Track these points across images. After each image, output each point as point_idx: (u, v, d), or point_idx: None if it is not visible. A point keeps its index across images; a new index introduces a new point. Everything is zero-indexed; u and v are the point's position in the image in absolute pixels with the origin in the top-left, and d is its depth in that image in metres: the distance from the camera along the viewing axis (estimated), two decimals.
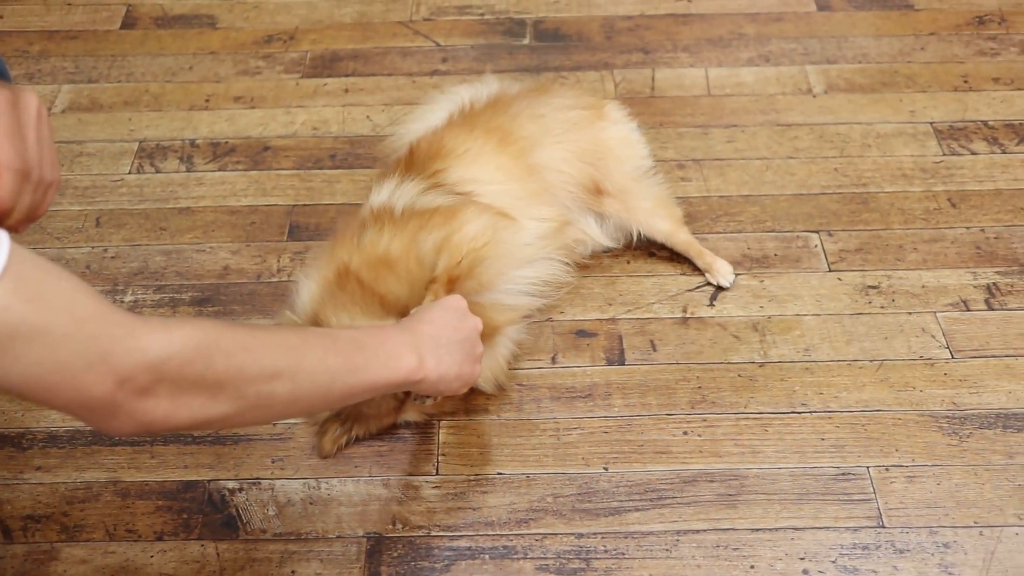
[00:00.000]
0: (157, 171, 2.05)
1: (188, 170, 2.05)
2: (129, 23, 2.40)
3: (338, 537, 1.50)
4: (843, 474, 1.55)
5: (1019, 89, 2.14)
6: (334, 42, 2.33)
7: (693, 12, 2.37)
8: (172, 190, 2.01)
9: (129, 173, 2.05)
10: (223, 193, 2.00)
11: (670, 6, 2.39)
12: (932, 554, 1.46)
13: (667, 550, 1.48)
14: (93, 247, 1.91)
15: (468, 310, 1.43)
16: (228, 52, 2.31)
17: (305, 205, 1.97)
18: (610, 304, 1.79)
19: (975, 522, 1.49)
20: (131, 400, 1.00)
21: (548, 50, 2.28)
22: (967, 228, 1.88)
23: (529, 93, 1.84)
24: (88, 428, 1.63)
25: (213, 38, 2.35)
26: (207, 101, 2.20)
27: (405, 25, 2.37)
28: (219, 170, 2.05)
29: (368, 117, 2.15)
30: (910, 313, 1.76)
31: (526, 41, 2.31)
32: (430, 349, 1.31)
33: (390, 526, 1.51)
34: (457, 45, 2.31)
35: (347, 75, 2.25)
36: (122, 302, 1.81)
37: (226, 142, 2.10)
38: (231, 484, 1.57)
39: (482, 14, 2.39)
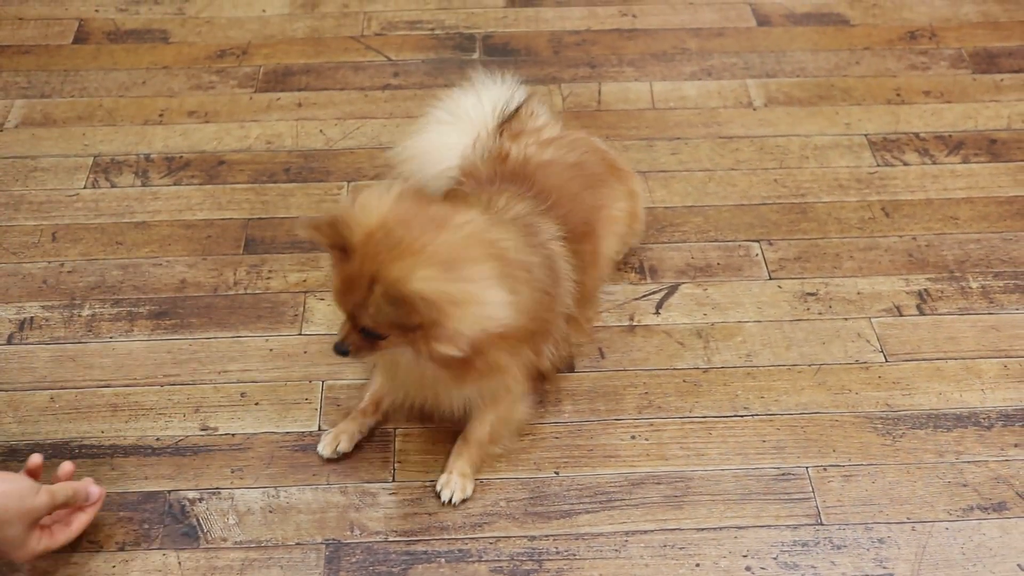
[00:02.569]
0: (113, 186, 2.07)
1: (143, 184, 2.07)
2: (81, 38, 2.41)
3: (297, 544, 1.54)
4: (783, 474, 1.62)
5: (948, 102, 2.24)
6: (286, 57, 2.37)
7: (638, 27, 2.44)
8: (128, 204, 2.04)
9: (84, 188, 2.07)
10: (179, 207, 2.03)
11: (615, 21, 2.45)
12: (868, 549, 1.53)
13: (616, 550, 1.54)
14: (49, 262, 1.93)
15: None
16: (181, 67, 2.34)
17: (260, 219, 2.01)
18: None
19: (908, 518, 1.57)
20: None
21: (497, 65, 2.32)
22: (900, 236, 1.97)
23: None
24: (48, 440, 1.66)
25: (166, 53, 2.38)
26: (161, 116, 2.23)
27: (357, 40, 2.41)
28: (174, 184, 2.07)
29: (321, 131, 2.19)
30: (846, 319, 1.83)
31: (476, 56, 2.37)
32: None
33: (348, 532, 1.56)
34: (408, 59, 2.36)
35: (300, 89, 2.28)
36: (79, 316, 1.83)
37: (181, 156, 2.13)
38: (191, 494, 1.60)
39: (432, 29, 2.44)
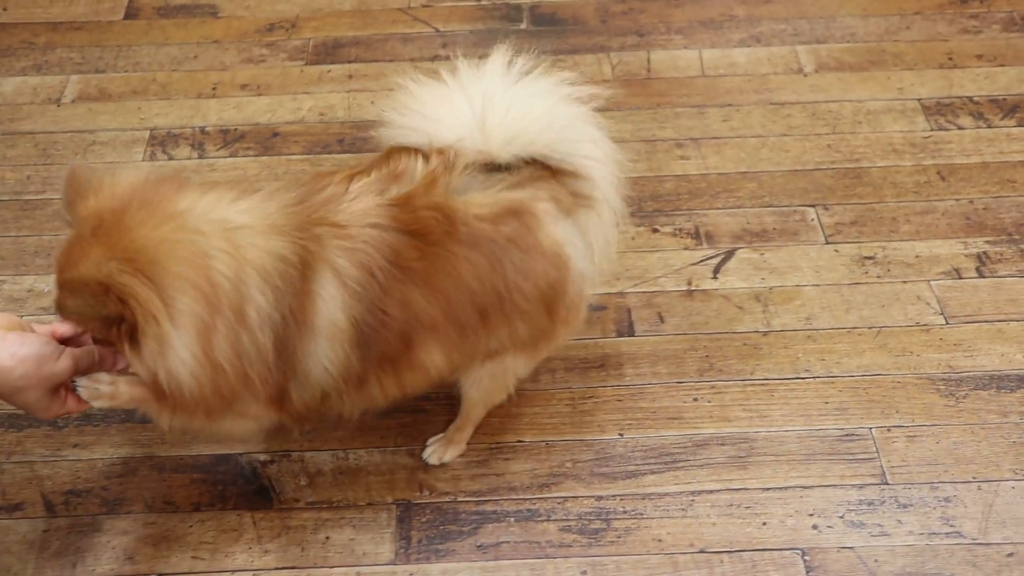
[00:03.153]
0: (170, 158, 2.10)
1: (200, 156, 2.10)
2: (132, 13, 2.43)
3: (368, 504, 1.57)
4: (847, 435, 1.63)
5: (1001, 65, 2.23)
6: (335, 29, 2.38)
7: None
8: (186, 176, 2.05)
9: (142, 160, 2.09)
10: (236, 179, 2.05)
11: None
12: (934, 508, 1.54)
13: (683, 509, 1.55)
14: None
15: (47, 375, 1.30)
16: (231, 41, 2.36)
17: None
18: (618, 279, 1.85)
19: (973, 477, 1.57)
20: None
21: (545, 34, 2.34)
22: (956, 200, 1.97)
23: None
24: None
25: (216, 27, 2.39)
26: (214, 89, 2.25)
27: (404, 12, 2.42)
28: (230, 156, 2.10)
29: (372, 102, 2.20)
30: (905, 282, 1.84)
31: (523, 26, 2.37)
32: None
33: (417, 493, 1.58)
34: (456, 30, 2.37)
35: (350, 61, 2.30)
36: None
37: (235, 129, 2.15)
38: (262, 457, 1.63)
39: (479, 0, 2.44)
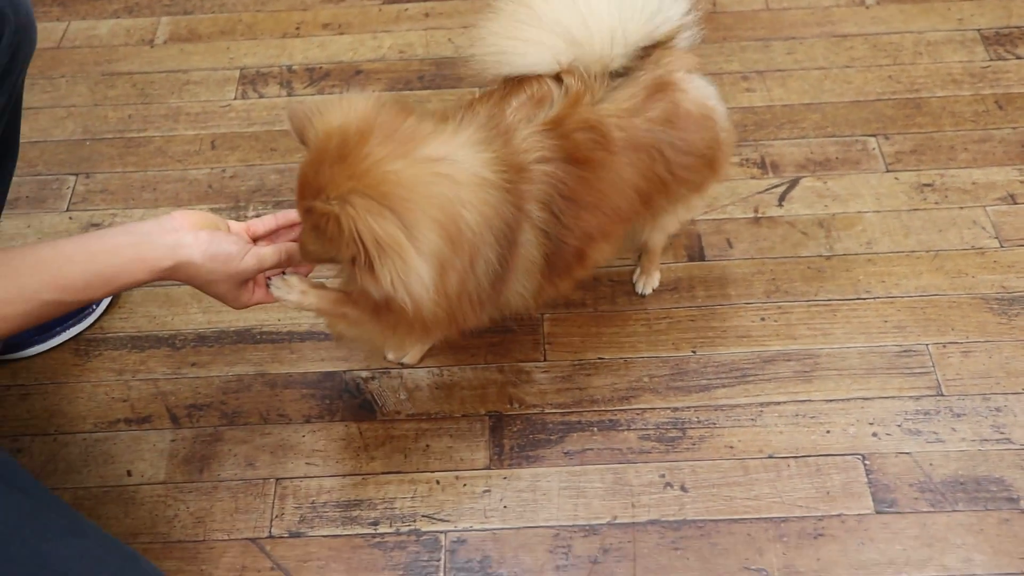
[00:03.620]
0: (260, 96, 2.22)
1: (289, 94, 2.22)
2: None
3: (463, 416, 1.72)
4: (905, 351, 1.75)
5: None
6: None
7: None
8: (276, 113, 2.19)
9: (235, 99, 2.22)
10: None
11: None
12: (985, 417, 1.67)
13: (752, 419, 1.69)
14: (212, 168, 2.10)
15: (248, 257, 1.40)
16: None
17: None
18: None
19: (1023, 388, 1.69)
20: None
21: None
22: (1013, 128, 2.05)
23: None
24: (232, 328, 1.85)
25: None
26: (298, 29, 2.36)
27: None
28: (318, 94, 2.22)
29: (450, 40, 2.31)
30: (962, 208, 1.94)
31: None
32: (191, 267, 1.36)
33: (508, 405, 1.73)
34: None
35: (426, 0, 2.40)
36: (246, 217, 2.00)
37: (320, 67, 2.27)
38: (364, 374, 1.78)
39: None
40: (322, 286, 1.49)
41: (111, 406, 1.76)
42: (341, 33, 2.34)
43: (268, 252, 1.44)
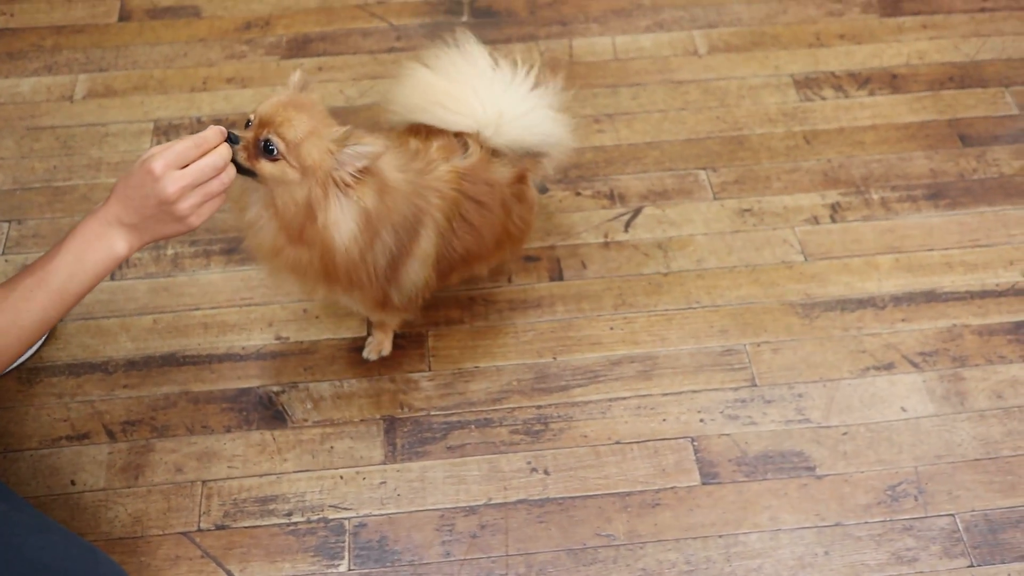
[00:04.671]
0: None
1: None
2: (125, 15, 2.81)
3: (362, 420, 2.04)
4: (727, 351, 2.13)
5: (859, 43, 2.70)
6: (304, 26, 2.78)
7: None
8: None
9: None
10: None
11: None
12: (790, 402, 2.05)
13: (603, 412, 2.04)
14: None
15: (162, 181, 1.49)
16: (215, 39, 2.76)
17: None
18: (549, 234, 2.32)
19: (820, 378, 2.08)
20: None
21: (484, 26, 2.77)
22: (817, 160, 2.45)
23: None
24: (158, 353, 2.13)
25: (200, 26, 2.79)
26: (204, 83, 2.65)
27: (361, 8, 2.83)
28: None
29: (341, 91, 2.62)
30: (775, 229, 2.32)
31: (465, 18, 2.79)
32: (131, 230, 1.54)
33: (399, 410, 2.05)
34: (408, 24, 2.78)
35: (319, 55, 2.71)
36: (165, 255, 2.29)
37: (227, 118, 2.56)
38: (275, 388, 2.09)
39: None
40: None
41: (53, 426, 2.03)
42: (244, 87, 2.64)
43: (167, 161, 1.51)
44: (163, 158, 1.49)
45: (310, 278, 1.79)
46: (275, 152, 1.62)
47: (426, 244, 1.86)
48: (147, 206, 1.51)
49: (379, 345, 2.12)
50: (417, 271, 1.88)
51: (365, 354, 2.12)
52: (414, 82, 1.98)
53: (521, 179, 2.00)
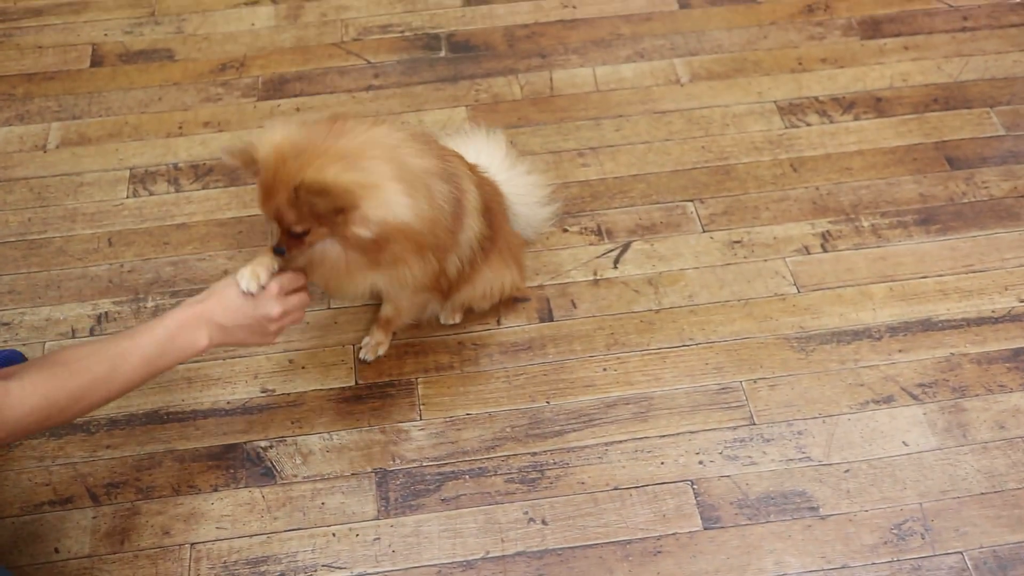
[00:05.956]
0: (151, 194, 2.46)
1: (177, 191, 2.46)
2: (97, 61, 2.76)
3: (353, 474, 1.99)
4: (723, 388, 2.09)
5: (842, 67, 2.68)
6: (279, 66, 2.74)
7: (578, 17, 2.84)
8: (167, 209, 2.42)
9: (127, 197, 2.45)
10: (211, 208, 2.42)
11: (558, 13, 2.85)
12: (790, 440, 2.01)
13: (599, 457, 2.00)
14: (111, 264, 2.32)
15: (267, 295, 1.75)
16: (189, 82, 2.71)
17: None
18: (537, 274, 2.28)
19: (819, 413, 2.04)
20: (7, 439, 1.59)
21: (462, 60, 2.73)
22: (805, 188, 2.42)
23: None
24: (140, 411, 2.07)
25: (174, 70, 2.74)
26: (180, 128, 2.60)
27: (338, 46, 2.79)
28: (203, 188, 2.46)
29: None
30: (766, 260, 2.29)
31: (443, 54, 2.76)
32: (219, 331, 1.74)
33: (391, 462, 2.00)
34: (385, 61, 2.74)
35: (296, 95, 2.67)
36: (146, 307, 2.23)
37: (204, 163, 2.52)
38: (263, 443, 2.03)
39: (402, 31, 2.82)
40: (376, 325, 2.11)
41: (35, 490, 1.97)
42: (221, 130, 2.59)
43: (281, 286, 1.80)
44: (279, 283, 1.77)
45: (402, 263, 1.81)
46: (304, 233, 1.72)
47: (472, 199, 1.89)
48: (247, 316, 1.75)
49: (377, 345, 2.13)
50: (473, 224, 1.90)
51: (362, 355, 2.13)
52: None
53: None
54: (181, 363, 1.77)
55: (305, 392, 2.10)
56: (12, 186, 2.48)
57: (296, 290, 1.82)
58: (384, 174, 1.67)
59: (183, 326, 1.71)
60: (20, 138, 2.59)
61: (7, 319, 2.22)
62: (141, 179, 2.49)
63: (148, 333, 1.70)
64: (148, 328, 1.71)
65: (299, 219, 1.68)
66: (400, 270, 1.82)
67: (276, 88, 2.68)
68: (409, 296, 1.99)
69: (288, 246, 1.75)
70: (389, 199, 1.67)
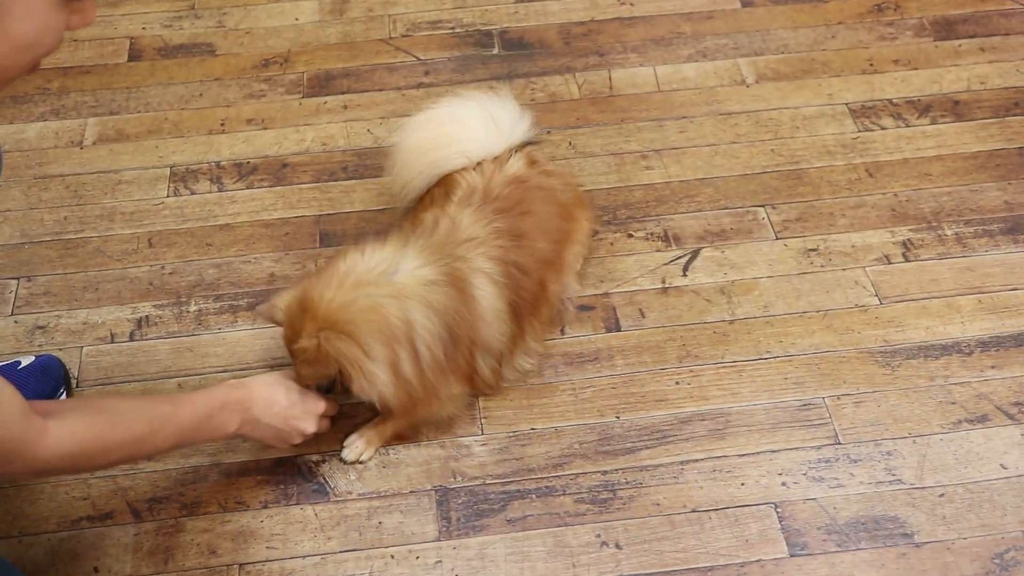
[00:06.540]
0: (192, 193, 2.34)
1: (220, 190, 2.34)
2: (135, 55, 2.65)
3: (411, 492, 1.86)
4: (805, 405, 1.96)
5: (915, 68, 2.56)
6: (325, 62, 2.62)
7: (637, 15, 2.72)
8: (209, 209, 2.31)
9: (168, 196, 2.33)
10: (255, 209, 2.30)
11: (615, 10, 2.73)
12: (879, 461, 1.88)
13: (675, 477, 1.87)
14: (151, 266, 2.20)
15: (310, 414, 1.82)
16: (232, 77, 2.59)
17: (330, 214, 2.29)
18: (602, 281, 2.15)
19: (909, 433, 1.91)
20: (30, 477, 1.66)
21: (516, 58, 2.61)
22: (883, 194, 2.29)
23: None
24: None
25: (215, 65, 2.63)
26: (223, 125, 2.49)
27: (386, 42, 2.67)
28: (247, 188, 2.35)
29: (369, 130, 2.46)
30: (844, 269, 2.16)
31: (495, 51, 2.64)
32: (250, 423, 1.74)
33: (451, 479, 1.87)
34: (436, 58, 2.63)
35: (343, 92, 2.55)
36: (188, 312, 2.11)
37: (248, 162, 2.40)
38: (315, 457, 1.91)
39: (452, 28, 2.70)
40: (371, 426, 1.92)
41: (72, 505, 1.85)
42: (265, 128, 2.47)
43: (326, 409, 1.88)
44: (323, 406, 1.86)
45: (423, 405, 1.86)
46: (327, 388, 1.86)
47: (488, 301, 1.81)
48: (284, 421, 1.78)
49: (367, 446, 1.92)
50: (495, 331, 1.86)
51: (344, 454, 1.91)
52: (412, 149, 2.07)
53: (533, 161, 2.04)
54: (208, 442, 1.85)
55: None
56: (48, 183, 2.37)
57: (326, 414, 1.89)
58: (369, 349, 1.71)
59: (224, 408, 1.70)
60: (56, 134, 2.47)
61: (43, 322, 2.10)
62: (182, 177, 2.37)
63: (190, 404, 1.67)
64: (190, 400, 1.68)
65: (316, 376, 1.80)
66: (424, 410, 1.87)
67: (322, 85, 2.57)
68: (436, 408, 1.91)
69: (326, 395, 1.88)
70: (370, 377, 1.73)
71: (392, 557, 1.78)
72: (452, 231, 1.87)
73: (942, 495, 1.83)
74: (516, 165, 2.00)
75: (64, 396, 1.96)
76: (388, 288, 1.76)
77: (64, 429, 1.44)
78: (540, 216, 1.97)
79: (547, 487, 1.86)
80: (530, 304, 1.94)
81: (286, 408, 1.78)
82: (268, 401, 1.76)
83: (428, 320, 1.76)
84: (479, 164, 1.99)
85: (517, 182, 1.97)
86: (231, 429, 1.71)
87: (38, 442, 1.41)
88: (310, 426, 1.82)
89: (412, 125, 2.10)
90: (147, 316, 2.12)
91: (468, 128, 2.04)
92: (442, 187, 2.00)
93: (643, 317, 2.10)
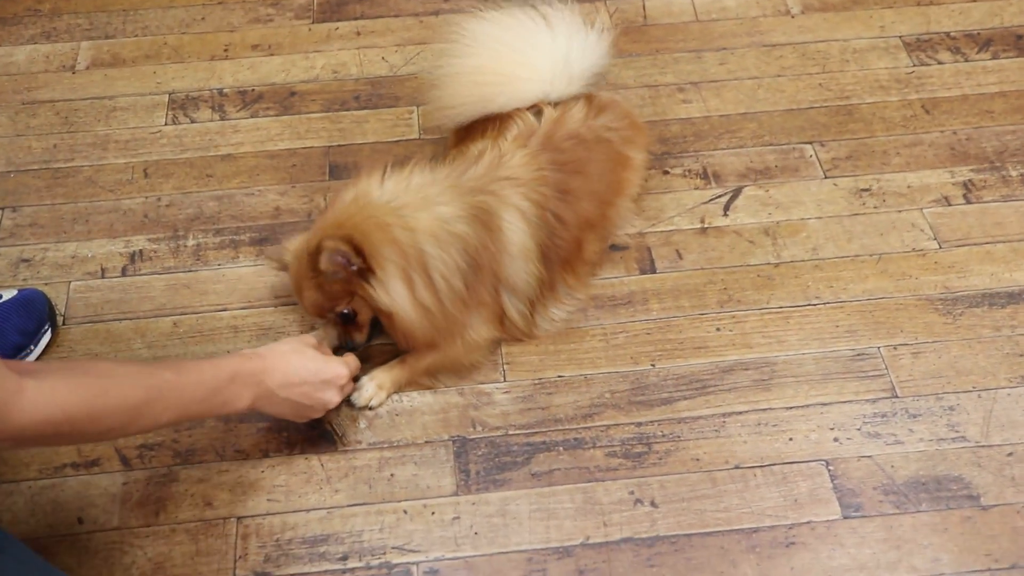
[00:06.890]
0: (192, 121, 2.16)
1: (222, 119, 2.17)
2: None
3: (427, 442, 1.69)
4: (858, 355, 1.79)
5: (974, 0, 2.36)
6: None
7: None
8: (211, 139, 2.13)
9: (166, 124, 2.16)
10: (260, 139, 2.13)
11: None
12: (940, 416, 1.71)
13: (716, 431, 1.70)
14: (147, 197, 2.03)
15: (333, 385, 1.62)
16: (236, 1, 2.41)
17: (340, 145, 2.11)
18: (635, 218, 1.97)
19: (973, 387, 1.74)
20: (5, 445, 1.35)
21: None
22: (941, 132, 2.11)
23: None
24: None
25: None
26: (226, 51, 2.31)
27: None
28: (251, 117, 2.17)
29: (383, 58, 2.28)
30: (899, 211, 1.98)
31: None
32: (265, 398, 1.54)
33: (471, 429, 1.71)
34: None
35: (356, 18, 2.37)
36: (186, 246, 1.94)
37: (253, 90, 2.22)
38: None
39: None
40: (384, 368, 1.76)
41: (56, 450, 1.69)
42: (271, 54, 2.29)
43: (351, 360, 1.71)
44: (351, 369, 1.67)
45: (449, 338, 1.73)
46: (351, 314, 1.70)
47: (516, 237, 1.70)
48: (303, 394, 1.58)
49: (379, 390, 1.75)
50: (521, 268, 1.72)
51: (354, 397, 1.73)
52: (465, 74, 1.88)
53: (601, 108, 1.88)
54: (213, 417, 1.68)
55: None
56: (36, 109, 2.19)
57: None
58: (375, 252, 1.61)
59: (234, 380, 1.49)
60: (46, 57, 2.30)
61: (28, 255, 1.94)
62: (181, 105, 2.20)
63: (196, 373, 1.46)
64: (197, 368, 1.46)
65: (330, 299, 1.66)
66: (449, 346, 1.73)
67: (333, 10, 2.39)
68: (461, 351, 1.76)
69: (350, 336, 1.74)
70: (385, 285, 1.62)
71: (405, 512, 1.62)
72: (495, 166, 1.73)
73: (1010, 454, 1.66)
74: (578, 115, 1.83)
75: (49, 334, 1.80)
76: (400, 221, 1.63)
77: (44, 391, 1.25)
78: (591, 177, 1.82)
79: (575, 439, 1.69)
80: (564, 257, 1.79)
81: (306, 379, 1.57)
82: (285, 372, 1.55)
83: (443, 252, 1.64)
84: (539, 107, 1.83)
85: (578, 138, 1.81)
86: (242, 404, 1.50)
87: (11, 403, 1.21)
88: (334, 396, 1.62)
89: (472, 38, 1.89)
90: (141, 250, 1.95)
91: (534, 66, 1.85)
92: (496, 120, 1.83)
93: (680, 259, 1.92)
